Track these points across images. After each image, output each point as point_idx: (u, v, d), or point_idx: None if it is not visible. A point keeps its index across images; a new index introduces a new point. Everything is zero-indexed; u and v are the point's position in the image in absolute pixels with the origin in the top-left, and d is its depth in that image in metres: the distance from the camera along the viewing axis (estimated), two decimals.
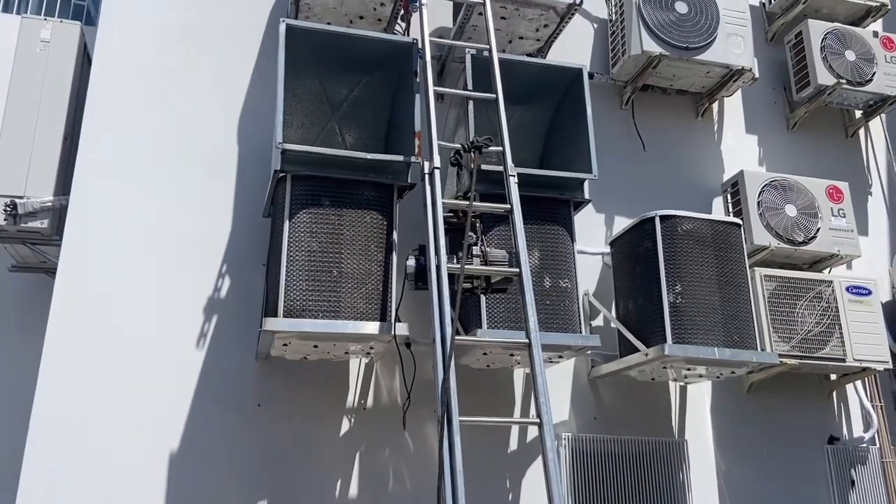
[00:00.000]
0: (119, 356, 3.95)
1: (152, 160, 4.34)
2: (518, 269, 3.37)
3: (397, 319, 3.64)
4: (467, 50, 4.07)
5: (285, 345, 3.69)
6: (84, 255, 4.07)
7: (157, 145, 4.37)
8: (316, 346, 3.73)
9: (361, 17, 4.51)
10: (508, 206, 3.53)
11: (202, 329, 4.13)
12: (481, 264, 3.39)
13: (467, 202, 3.42)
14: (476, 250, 3.40)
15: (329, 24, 4.33)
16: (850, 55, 5.52)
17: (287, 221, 3.63)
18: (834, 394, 5.12)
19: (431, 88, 3.70)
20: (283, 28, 3.79)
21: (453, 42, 4.10)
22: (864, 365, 4.76)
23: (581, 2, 4.49)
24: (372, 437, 4.17)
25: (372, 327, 3.54)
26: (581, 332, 3.97)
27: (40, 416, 3.75)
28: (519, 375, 4.51)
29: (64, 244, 4.08)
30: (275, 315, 3.53)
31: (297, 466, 4.02)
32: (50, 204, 4.26)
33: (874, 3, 5.84)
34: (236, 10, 4.79)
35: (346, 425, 4.17)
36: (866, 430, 5.05)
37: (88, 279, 4.04)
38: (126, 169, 4.28)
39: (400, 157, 3.75)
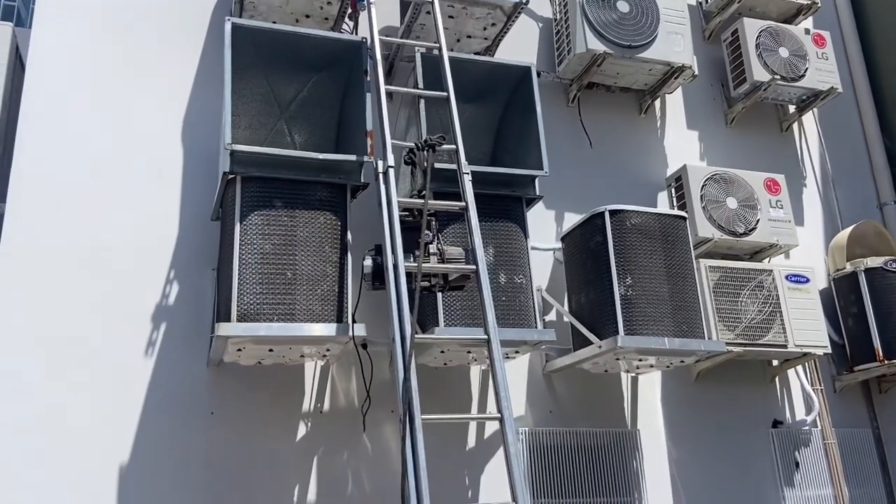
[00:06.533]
0: (65, 368, 3.81)
1: (93, 164, 4.19)
2: (475, 266, 3.39)
3: (353, 320, 3.60)
4: (417, 49, 4.06)
5: (239, 350, 3.62)
6: (23, 263, 3.91)
7: (98, 149, 4.23)
8: (271, 350, 3.67)
9: (308, 16, 4.46)
10: (463, 203, 3.55)
11: (150, 337, 4.01)
12: (438, 262, 3.39)
13: (422, 200, 3.42)
14: (433, 248, 3.39)
15: (274, 22, 4.26)
16: (784, 52, 5.72)
17: (238, 224, 3.56)
18: (776, 379, 5.30)
19: (383, 87, 3.68)
20: (228, 27, 3.72)
21: (403, 41, 4.08)
22: (805, 350, 4.95)
23: (527, 1, 4.53)
24: (329, 441, 4.13)
25: (329, 329, 3.50)
26: (537, 327, 4.01)
27: None
28: (476, 372, 4.53)
29: (0, 253, 3.91)
30: (228, 320, 3.46)
31: (253, 474, 3.95)
32: None
33: (805, 1, 6.05)
34: (177, 8, 4.67)
35: (302, 430, 4.11)
36: (808, 413, 5.25)
37: (28, 289, 3.88)
38: (66, 174, 4.13)
39: (352, 157, 3.72)
